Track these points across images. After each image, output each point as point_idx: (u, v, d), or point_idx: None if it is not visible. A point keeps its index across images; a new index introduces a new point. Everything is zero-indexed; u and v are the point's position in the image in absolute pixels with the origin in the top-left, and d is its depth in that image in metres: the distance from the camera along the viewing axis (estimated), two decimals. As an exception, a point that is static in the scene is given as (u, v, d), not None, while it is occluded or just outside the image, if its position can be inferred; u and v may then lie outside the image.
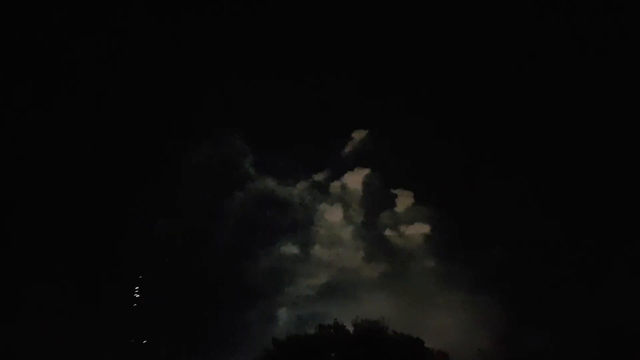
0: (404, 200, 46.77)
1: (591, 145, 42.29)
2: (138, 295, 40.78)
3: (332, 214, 47.54)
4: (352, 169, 49.04)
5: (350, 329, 35.07)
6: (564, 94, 43.37)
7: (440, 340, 35.41)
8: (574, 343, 36.08)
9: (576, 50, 43.61)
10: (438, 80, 46.77)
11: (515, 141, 44.12)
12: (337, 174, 49.22)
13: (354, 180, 48.68)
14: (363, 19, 49.00)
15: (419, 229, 45.22)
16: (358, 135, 49.42)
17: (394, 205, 46.95)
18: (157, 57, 47.08)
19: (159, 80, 46.40)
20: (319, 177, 49.02)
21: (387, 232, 45.98)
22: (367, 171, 48.63)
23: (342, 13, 48.85)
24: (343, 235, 46.46)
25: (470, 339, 37.60)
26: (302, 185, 48.39)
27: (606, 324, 36.34)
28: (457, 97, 46.20)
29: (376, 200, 47.54)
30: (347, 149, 49.40)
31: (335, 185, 48.68)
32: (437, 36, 47.80)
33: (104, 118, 45.01)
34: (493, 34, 46.38)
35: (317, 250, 45.83)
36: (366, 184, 48.40)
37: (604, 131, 41.72)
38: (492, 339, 38.01)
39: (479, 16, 47.23)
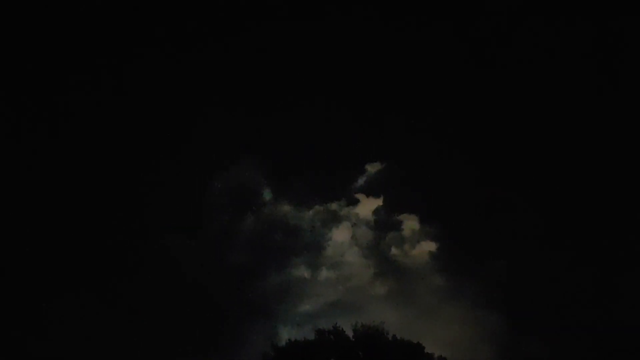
0: (409, 224, 48.06)
1: (595, 161, 42.72)
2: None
3: (341, 238, 48.64)
4: (363, 199, 50.78)
5: (350, 334, 34.97)
6: (564, 105, 44.41)
7: (444, 352, 35.18)
8: (576, 354, 35.22)
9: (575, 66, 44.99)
10: (440, 101, 48.86)
11: (519, 157, 45.07)
12: (349, 203, 51.01)
13: (365, 208, 50.23)
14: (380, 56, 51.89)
15: (425, 247, 45.99)
16: (372, 167, 51.69)
17: (401, 229, 48.25)
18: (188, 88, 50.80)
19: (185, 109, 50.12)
20: (332, 206, 50.91)
21: (394, 252, 46.96)
22: (377, 200, 50.28)
23: (361, 46, 51.88)
24: (351, 257, 47.45)
25: (473, 351, 37.08)
26: (314, 212, 50.17)
27: (609, 336, 35.52)
28: (456, 112, 47.96)
29: (384, 225, 48.95)
30: (361, 180, 51.42)
31: (346, 213, 50.27)
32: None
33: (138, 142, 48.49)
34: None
35: (325, 271, 46.89)
36: (376, 212, 49.92)
37: (607, 145, 42.17)
38: (495, 352, 37.52)
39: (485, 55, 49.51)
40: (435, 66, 49.99)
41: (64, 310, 40.66)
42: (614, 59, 44.58)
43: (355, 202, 50.59)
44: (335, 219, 49.89)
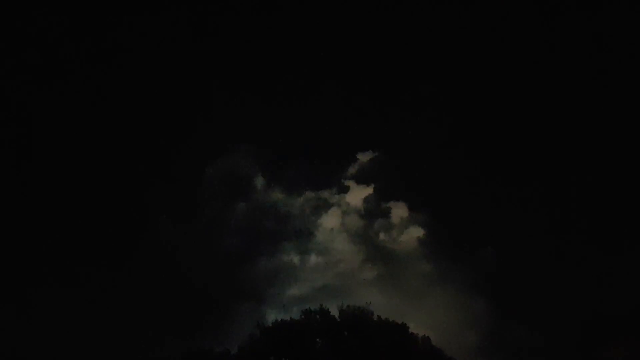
0: (398, 212, 48.71)
1: (582, 151, 43.20)
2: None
3: (331, 224, 49.21)
4: (354, 187, 51.20)
5: (336, 314, 35.18)
6: (552, 95, 44.85)
7: (429, 335, 35.56)
8: (560, 340, 35.69)
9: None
10: (431, 92, 49.37)
11: (507, 146, 45.52)
12: (340, 191, 51.46)
13: (355, 196, 50.66)
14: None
15: (413, 233, 46.49)
16: (363, 156, 52.06)
17: (389, 216, 48.80)
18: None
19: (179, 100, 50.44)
20: (323, 194, 51.30)
21: (382, 237, 47.50)
22: (368, 189, 50.71)
23: (353, 37, 52.28)
24: (340, 243, 47.88)
25: (458, 335, 37.54)
26: (305, 199, 50.60)
27: (595, 323, 36.02)
28: (447, 103, 48.48)
29: (373, 212, 49.50)
30: (352, 169, 51.88)
31: (336, 200, 50.70)
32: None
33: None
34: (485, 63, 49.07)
35: (314, 257, 47.37)
36: (366, 199, 50.34)
37: (595, 131, 42.64)
38: (480, 337, 38.07)
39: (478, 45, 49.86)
40: (425, 57, 50.72)
41: (56, 297, 41.07)
42: (613, 58, 44.93)
43: (345, 189, 51.16)
44: (325, 206, 50.47)
